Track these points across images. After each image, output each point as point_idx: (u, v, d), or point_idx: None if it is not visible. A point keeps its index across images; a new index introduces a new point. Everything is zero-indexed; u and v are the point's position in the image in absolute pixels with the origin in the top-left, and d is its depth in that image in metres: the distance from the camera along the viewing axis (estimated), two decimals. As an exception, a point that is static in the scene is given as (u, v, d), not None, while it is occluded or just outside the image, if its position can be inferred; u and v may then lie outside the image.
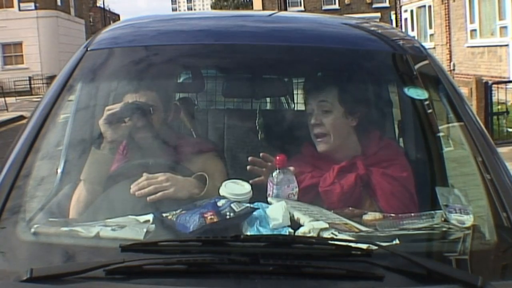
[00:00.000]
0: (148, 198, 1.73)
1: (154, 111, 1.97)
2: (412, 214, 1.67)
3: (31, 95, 25.63)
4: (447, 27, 16.92)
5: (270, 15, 2.75)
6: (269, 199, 1.74)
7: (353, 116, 1.99)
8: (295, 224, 1.56)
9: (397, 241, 1.45)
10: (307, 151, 2.03)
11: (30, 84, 27.69)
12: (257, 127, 2.46)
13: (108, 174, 1.89)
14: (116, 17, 50.28)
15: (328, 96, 1.98)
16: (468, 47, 15.45)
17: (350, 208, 1.78)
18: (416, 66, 2.05)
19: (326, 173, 1.93)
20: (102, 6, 44.30)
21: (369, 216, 1.68)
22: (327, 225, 1.52)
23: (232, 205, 1.56)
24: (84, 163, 1.88)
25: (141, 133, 1.95)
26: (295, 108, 2.96)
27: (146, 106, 1.94)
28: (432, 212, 1.65)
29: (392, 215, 1.71)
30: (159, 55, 2.04)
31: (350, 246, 1.37)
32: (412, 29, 20.10)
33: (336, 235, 1.48)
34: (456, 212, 1.61)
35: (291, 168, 1.82)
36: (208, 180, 1.80)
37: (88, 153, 1.89)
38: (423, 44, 2.25)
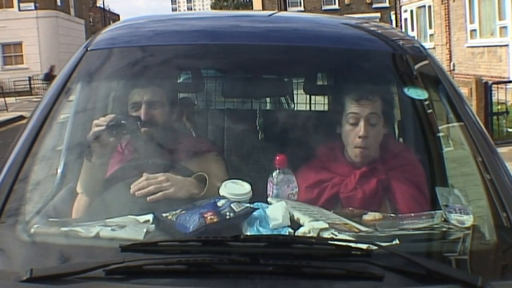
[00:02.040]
0: (148, 198, 1.73)
1: (156, 110, 1.97)
2: (412, 214, 1.67)
3: (31, 95, 25.63)
4: (447, 27, 16.92)
5: (270, 15, 2.75)
6: (269, 199, 1.74)
7: (387, 125, 1.98)
8: (295, 224, 1.56)
9: (397, 241, 1.45)
10: (324, 156, 2.00)
11: (30, 84, 27.68)
12: (257, 127, 2.46)
13: (108, 175, 1.89)
14: (116, 17, 50.27)
15: (377, 109, 1.94)
16: (468, 47, 15.45)
17: (350, 208, 1.78)
18: (416, 66, 2.05)
19: (347, 179, 1.92)
20: (102, 6, 44.30)
21: (369, 216, 1.68)
22: (327, 225, 1.52)
23: (232, 205, 1.56)
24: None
25: (140, 134, 1.96)
26: (295, 108, 2.96)
27: (135, 118, 1.93)
28: (432, 212, 1.65)
29: (392, 215, 1.71)
30: (159, 55, 2.04)
31: (350, 246, 1.37)
32: (412, 29, 20.09)
33: (336, 235, 1.48)
34: (456, 212, 1.61)
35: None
36: (208, 180, 1.80)
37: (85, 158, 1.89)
38: (423, 44, 2.25)
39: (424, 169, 1.99)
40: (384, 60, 2.11)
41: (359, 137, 1.92)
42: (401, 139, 2.32)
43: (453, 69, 16.22)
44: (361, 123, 1.92)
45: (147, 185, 1.75)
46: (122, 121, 1.88)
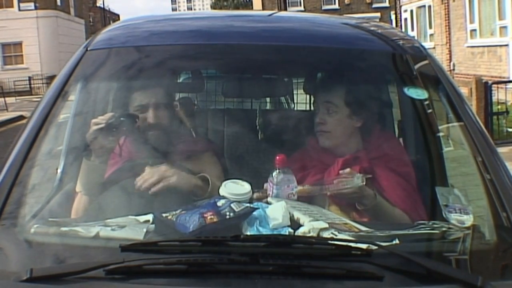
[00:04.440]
0: (151, 190, 1.73)
1: (155, 111, 1.97)
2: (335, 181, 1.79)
3: (31, 95, 25.63)
4: (447, 27, 16.91)
5: (270, 15, 2.75)
6: (269, 199, 1.74)
7: (358, 117, 2.01)
8: (295, 224, 1.56)
9: (397, 241, 1.45)
10: (312, 145, 2.06)
11: (30, 84, 27.69)
12: (257, 127, 2.46)
13: (106, 177, 1.89)
14: (116, 17, 50.26)
15: (333, 98, 2.00)
16: (468, 47, 15.45)
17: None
18: (416, 66, 2.05)
19: (330, 166, 1.94)
20: (102, 6, 44.29)
21: (300, 188, 1.79)
22: (327, 225, 1.52)
23: (232, 205, 1.56)
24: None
25: (138, 134, 1.96)
26: (295, 108, 2.97)
27: (133, 117, 1.93)
28: (354, 177, 1.77)
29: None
30: (159, 54, 2.04)
31: (350, 246, 1.37)
32: (412, 29, 20.09)
33: (336, 235, 1.48)
34: (456, 212, 1.61)
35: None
36: (211, 181, 1.80)
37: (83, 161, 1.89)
38: (423, 44, 2.25)
39: (424, 169, 2.00)
40: (384, 59, 2.11)
41: (316, 123, 2.03)
42: (401, 139, 2.32)
43: (453, 69, 16.22)
44: (319, 111, 2.02)
45: (151, 175, 1.76)
46: (121, 119, 1.88)
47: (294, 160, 1.97)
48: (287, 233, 1.52)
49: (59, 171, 2.03)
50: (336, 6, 32.30)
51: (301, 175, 1.91)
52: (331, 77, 2.16)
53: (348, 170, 1.82)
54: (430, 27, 18.71)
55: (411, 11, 20.51)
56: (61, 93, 1.86)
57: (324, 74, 2.28)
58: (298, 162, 1.98)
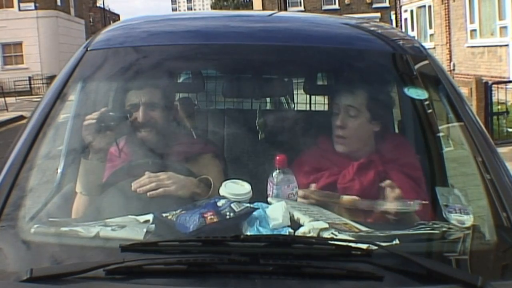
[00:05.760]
0: (148, 194, 1.73)
1: (145, 109, 1.96)
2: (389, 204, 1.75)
3: (31, 95, 25.63)
4: (447, 27, 16.91)
5: (270, 15, 2.75)
6: (269, 199, 1.74)
7: (376, 121, 2.00)
8: (295, 224, 1.56)
9: (397, 241, 1.45)
10: (324, 146, 2.05)
11: (30, 84, 27.70)
12: (257, 127, 2.46)
13: (107, 176, 1.89)
14: (116, 17, 50.28)
15: (356, 102, 1.98)
16: (468, 47, 15.45)
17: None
18: (416, 66, 2.05)
19: (345, 169, 1.94)
20: (102, 6, 44.30)
21: (347, 197, 1.76)
22: (327, 225, 1.52)
23: (232, 205, 1.56)
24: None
25: (138, 133, 1.95)
26: (295, 108, 2.97)
27: (125, 113, 1.93)
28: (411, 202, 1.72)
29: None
30: (159, 54, 2.04)
31: (350, 246, 1.37)
32: (412, 29, 20.09)
33: (336, 235, 1.48)
34: (456, 212, 1.61)
35: None
36: (213, 183, 1.80)
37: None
38: (423, 44, 2.25)
39: (424, 169, 2.00)
40: (384, 60, 2.11)
41: (336, 126, 1.99)
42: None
43: (453, 69, 16.22)
44: (340, 113, 1.99)
45: (149, 182, 1.76)
46: (116, 117, 1.88)
47: (306, 161, 1.97)
48: (287, 233, 1.52)
49: (59, 171, 2.03)
50: (336, 6, 32.30)
51: (314, 177, 1.90)
52: (349, 80, 2.13)
53: (388, 182, 1.80)
54: (430, 27, 18.71)
55: (411, 11, 20.50)
56: (61, 94, 1.85)
57: (342, 76, 2.25)
58: (310, 163, 1.97)
